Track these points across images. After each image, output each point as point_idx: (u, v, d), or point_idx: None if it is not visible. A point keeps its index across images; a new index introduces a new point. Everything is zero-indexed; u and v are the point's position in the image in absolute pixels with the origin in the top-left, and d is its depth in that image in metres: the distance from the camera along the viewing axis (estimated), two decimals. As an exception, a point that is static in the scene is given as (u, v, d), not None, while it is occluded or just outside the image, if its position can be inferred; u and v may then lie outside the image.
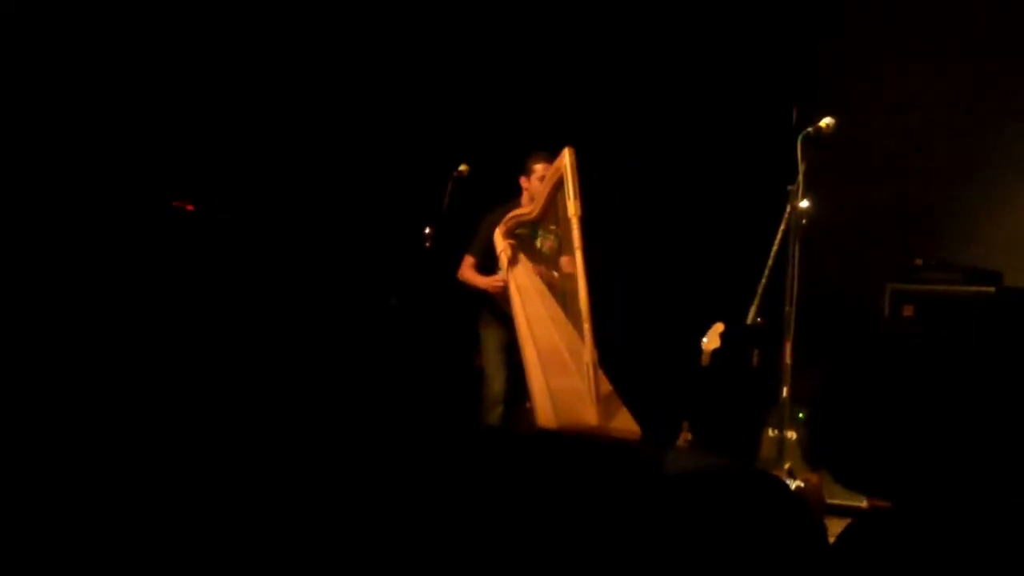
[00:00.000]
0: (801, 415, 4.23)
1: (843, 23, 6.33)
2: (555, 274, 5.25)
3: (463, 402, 5.49)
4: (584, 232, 4.79)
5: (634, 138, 6.20)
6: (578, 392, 4.78)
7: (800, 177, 4.29)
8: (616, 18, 6.35)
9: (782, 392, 4.32)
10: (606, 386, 4.87)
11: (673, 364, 5.16)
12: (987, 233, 6.03)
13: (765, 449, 4.30)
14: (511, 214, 5.29)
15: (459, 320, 5.54)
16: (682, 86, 6.27)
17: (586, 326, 4.76)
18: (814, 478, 3.08)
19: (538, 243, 5.37)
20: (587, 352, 4.74)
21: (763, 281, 4.27)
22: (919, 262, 5.68)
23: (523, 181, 5.39)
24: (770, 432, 4.41)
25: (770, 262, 4.30)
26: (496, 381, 5.34)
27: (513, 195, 5.45)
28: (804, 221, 4.32)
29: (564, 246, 5.12)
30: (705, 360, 4.40)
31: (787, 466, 3.93)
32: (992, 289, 5.44)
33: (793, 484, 3.06)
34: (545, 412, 4.77)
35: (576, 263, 4.80)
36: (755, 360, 4.37)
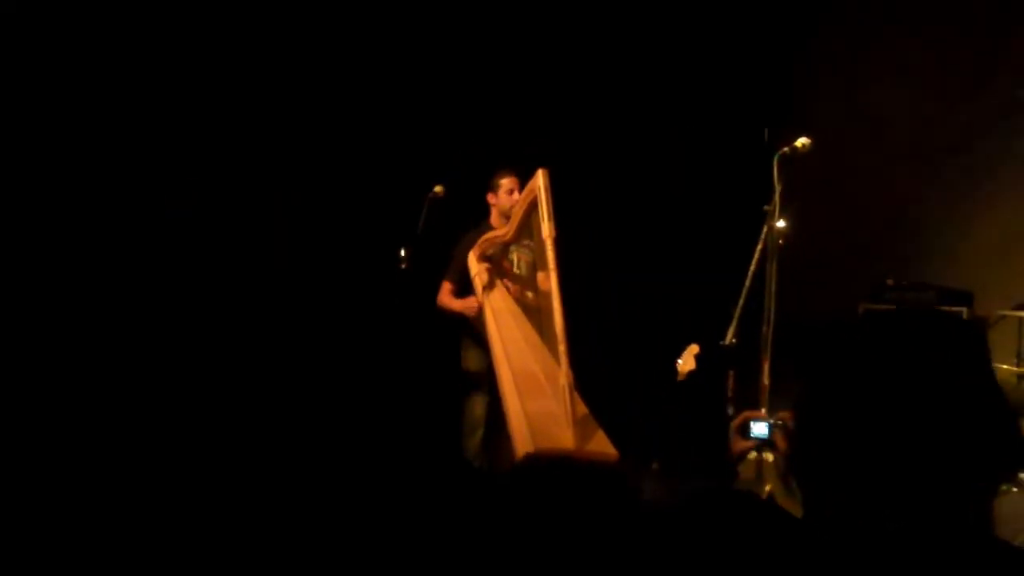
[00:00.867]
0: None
1: (815, 43, 6.37)
2: (529, 294, 5.26)
3: (443, 425, 5.48)
4: (558, 253, 4.77)
5: (608, 159, 6.22)
6: (554, 415, 4.76)
7: (776, 197, 4.28)
8: (591, 37, 6.39)
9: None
10: (582, 408, 4.84)
11: (649, 386, 5.16)
12: (960, 252, 6.08)
13: (744, 470, 4.28)
14: (485, 237, 5.32)
15: (439, 343, 5.54)
16: (656, 106, 6.31)
17: (561, 348, 4.74)
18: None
19: (514, 258, 5.40)
20: (562, 374, 4.68)
21: (741, 302, 4.26)
22: (891, 282, 5.71)
23: (490, 198, 5.48)
24: (750, 454, 4.39)
25: (748, 282, 4.27)
26: (477, 404, 5.36)
27: (485, 217, 5.45)
28: (781, 241, 4.31)
29: (540, 263, 5.13)
30: (680, 379, 4.43)
31: (767, 488, 3.91)
32: (964, 309, 5.47)
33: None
34: (522, 436, 4.73)
35: (551, 284, 4.79)
36: (731, 381, 4.40)
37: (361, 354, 5.64)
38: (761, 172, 4.33)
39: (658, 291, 6.07)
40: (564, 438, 4.62)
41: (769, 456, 4.54)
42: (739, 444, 3.00)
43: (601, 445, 4.74)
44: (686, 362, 4.55)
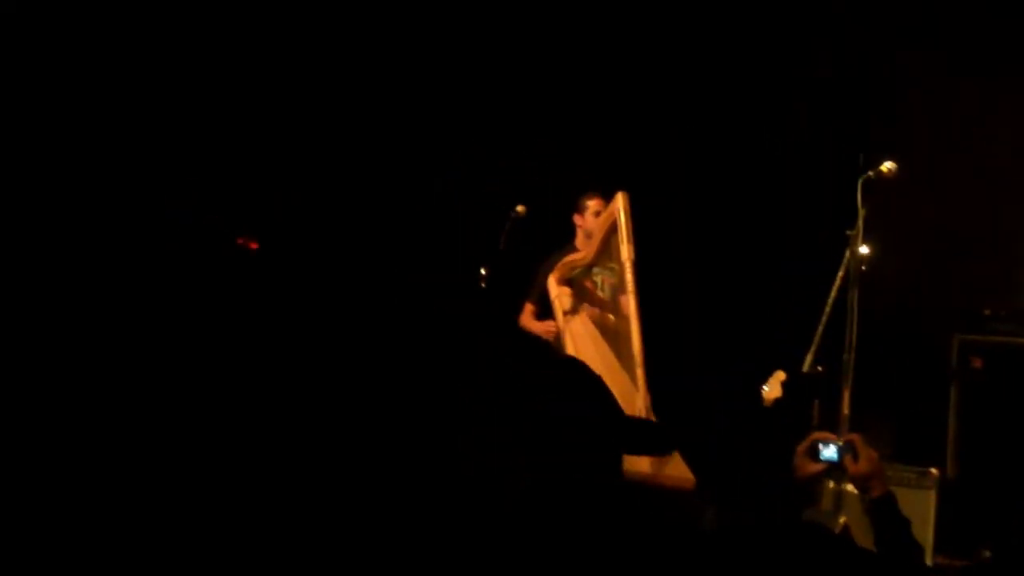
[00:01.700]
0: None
1: (904, 66, 6.28)
2: (611, 317, 5.26)
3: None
4: (639, 276, 4.81)
5: (692, 182, 6.22)
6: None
7: (860, 222, 4.22)
8: (675, 61, 6.39)
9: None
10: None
11: (730, 412, 5.11)
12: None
13: (824, 501, 4.24)
14: (565, 260, 5.32)
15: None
16: (742, 129, 6.28)
17: (639, 371, 4.76)
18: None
19: (598, 280, 5.40)
20: (640, 398, 4.72)
21: (820, 328, 4.21)
22: (988, 312, 5.58)
23: (577, 219, 5.51)
24: (829, 484, 4.34)
25: (828, 309, 4.23)
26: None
27: (568, 239, 5.52)
28: (864, 267, 4.25)
29: (620, 286, 5.12)
30: (766, 405, 4.38)
31: (842, 520, 3.87)
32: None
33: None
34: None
35: (630, 307, 4.82)
36: (815, 410, 4.34)
37: (441, 372, 5.67)
38: (846, 196, 4.30)
39: (741, 316, 6.03)
40: (640, 463, 4.61)
41: (850, 487, 4.50)
42: (807, 467, 2.87)
43: (678, 470, 4.75)
44: (772, 389, 4.49)
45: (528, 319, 5.50)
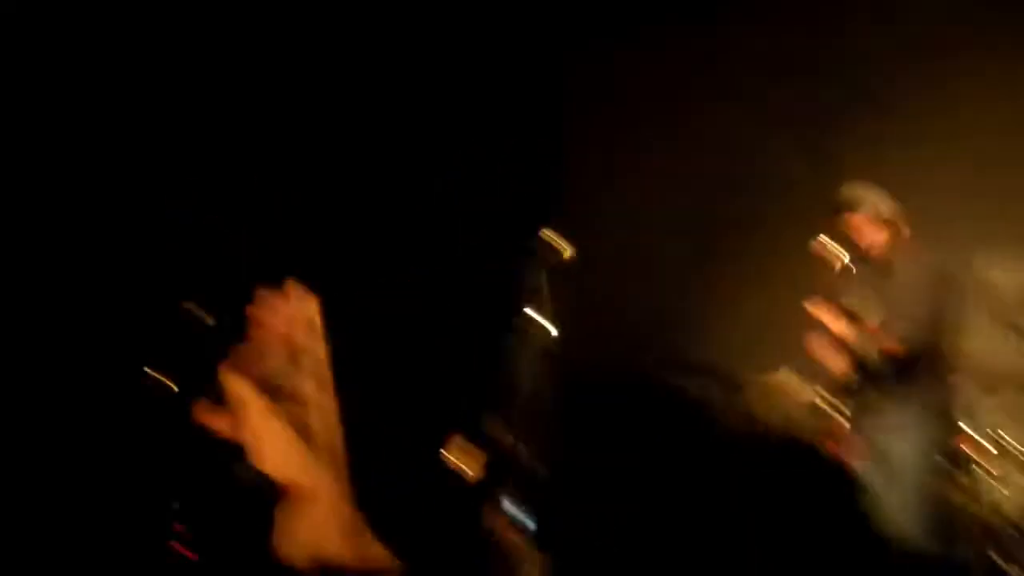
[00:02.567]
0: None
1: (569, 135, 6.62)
2: (303, 412, 5.14)
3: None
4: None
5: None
6: (327, 531, 4.74)
7: (541, 308, 4.43)
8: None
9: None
10: (358, 521, 4.85)
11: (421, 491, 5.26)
12: (722, 335, 6.41)
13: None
14: (240, 355, 5.14)
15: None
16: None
17: (340, 462, 4.82)
18: None
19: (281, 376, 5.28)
20: (336, 488, 4.77)
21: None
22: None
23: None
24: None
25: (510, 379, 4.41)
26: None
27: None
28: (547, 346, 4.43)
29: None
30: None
31: None
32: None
33: None
34: (293, 556, 4.72)
35: (330, 401, 4.90)
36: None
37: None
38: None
39: (421, 390, 6.15)
40: (341, 553, 4.68)
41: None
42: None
43: (379, 557, 4.80)
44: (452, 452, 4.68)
45: (204, 413, 5.31)
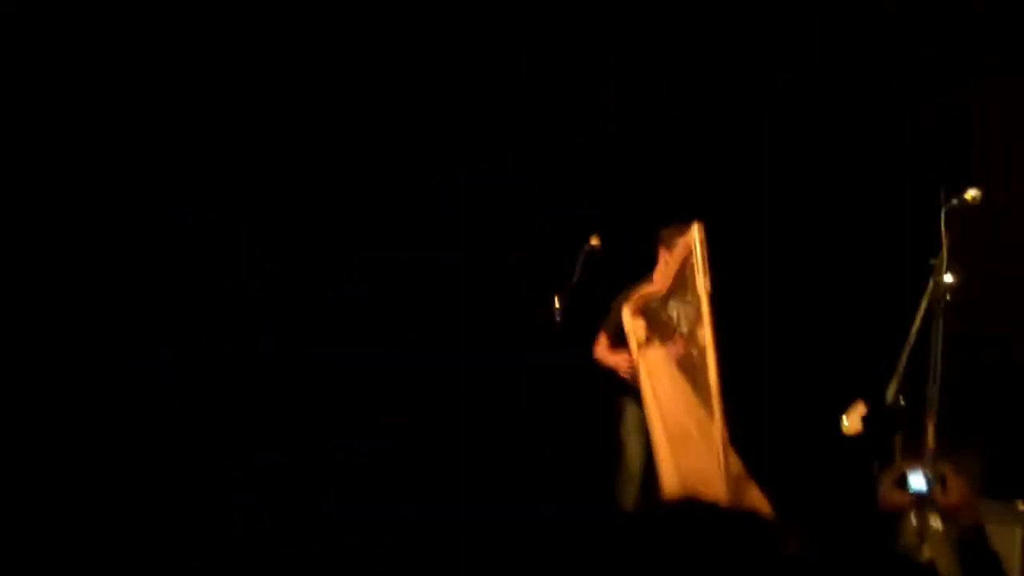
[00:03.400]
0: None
1: (994, 84, 6.23)
2: (693, 351, 5.22)
3: (602, 476, 5.53)
4: (716, 308, 4.88)
5: (773, 210, 6.14)
6: (708, 472, 4.82)
7: (944, 251, 4.22)
8: (758, 81, 6.35)
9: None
10: (737, 466, 4.91)
11: (810, 444, 5.10)
12: None
13: (906, 535, 4.21)
14: (640, 291, 5.33)
15: (600, 394, 5.61)
16: (825, 157, 6.23)
17: (716, 404, 4.80)
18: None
19: (674, 314, 5.37)
20: (717, 430, 4.79)
21: (903, 359, 4.18)
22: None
23: (663, 252, 5.39)
24: (912, 518, 4.31)
25: (911, 339, 4.19)
26: (635, 458, 5.39)
27: (646, 272, 5.49)
28: (948, 296, 4.22)
29: (699, 318, 5.11)
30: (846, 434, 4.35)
31: (927, 556, 3.84)
32: None
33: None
34: (674, 492, 4.79)
35: (706, 339, 4.89)
36: (899, 443, 4.32)
37: (511, 405, 5.75)
38: (930, 225, 4.30)
39: (822, 346, 5.98)
40: (718, 495, 4.68)
41: (936, 521, 4.45)
42: (894, 497, 2.92)
43: (756, 503, 4.82)
44: (852, 422, 4.47)
45: (603, 350, 5.53)
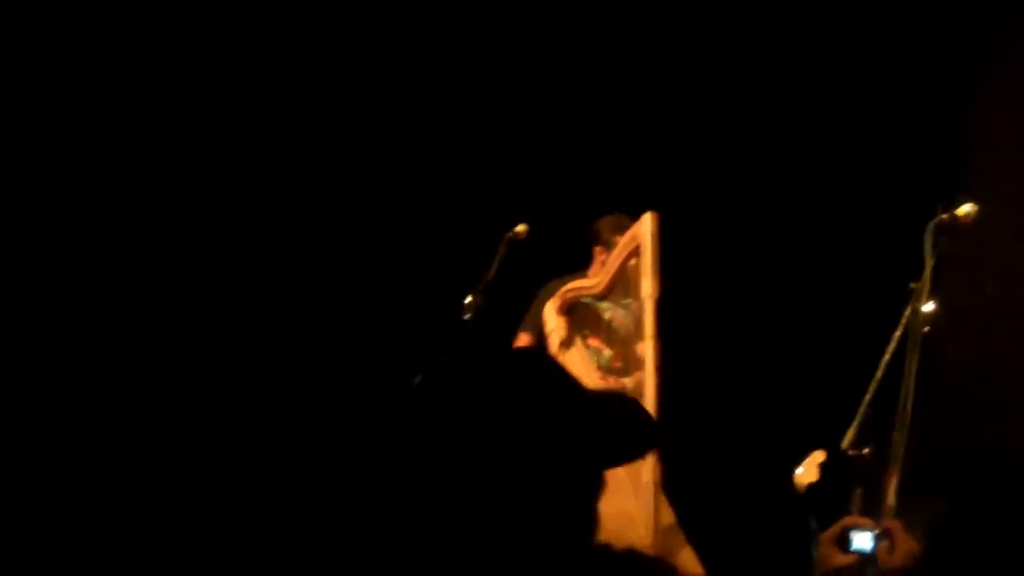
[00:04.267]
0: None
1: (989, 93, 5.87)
2: (623, 365, 4.75)
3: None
4: (662, 317, 4.35)
5: (730, 210, 5.83)
6: (632, 517, 4.26)
7: (926, 273, 3.73)
8: (726, 71, 6.09)
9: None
10: (669, 516, 4.40)
11: (758, 496, 4.64)
12: None
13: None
14: (569, 286, 4.81)
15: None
16: (794, 157, 5.94)
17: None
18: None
19: (606, 317, 4.89)
20: (648, 469, 4.23)
21: (867, 398, 3.71)
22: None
23: (598, 249, 4.98)
24: None
25: (879, 374, 3.74)
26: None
27: (581, 265, 5.06)
28: (927, 328, 3.73)
29: (638, 329, 4.56)
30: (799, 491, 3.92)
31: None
32: None
33: None
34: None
35: (647, 354, 4.33)
36: (857, 499, 3.87)
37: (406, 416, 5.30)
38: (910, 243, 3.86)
39: (776, 379, 5.59)
40: (642, 544, 4.09)
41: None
42: (834, 558, 2.71)
43: (686, 563, 4.30)
44: (807, 472, 4.05)
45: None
